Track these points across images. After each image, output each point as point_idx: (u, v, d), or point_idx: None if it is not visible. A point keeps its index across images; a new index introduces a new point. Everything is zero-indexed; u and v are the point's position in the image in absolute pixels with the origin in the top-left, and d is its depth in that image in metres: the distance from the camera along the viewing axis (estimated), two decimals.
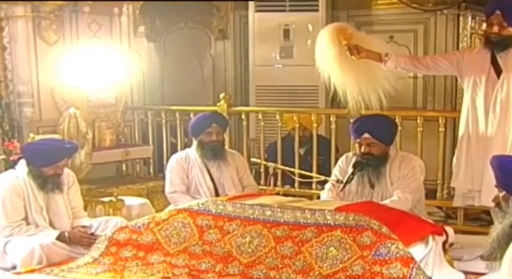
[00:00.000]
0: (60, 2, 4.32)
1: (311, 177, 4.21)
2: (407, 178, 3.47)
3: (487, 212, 4.25)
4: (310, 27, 5.74)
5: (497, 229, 2.38)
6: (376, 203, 3.37)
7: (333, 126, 4.55)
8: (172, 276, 2.95)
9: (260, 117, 4.82)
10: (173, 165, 3.92)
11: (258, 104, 5.81)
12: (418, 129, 4.31)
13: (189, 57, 6.34)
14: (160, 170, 5.22)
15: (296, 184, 4.60)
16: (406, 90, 5.75)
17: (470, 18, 5.37)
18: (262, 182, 4.71)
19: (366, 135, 3.45)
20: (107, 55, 4.60)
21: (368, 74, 3.64)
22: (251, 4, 5.79)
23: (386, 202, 3.37)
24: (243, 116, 4.91)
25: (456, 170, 3.57)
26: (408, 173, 3.48)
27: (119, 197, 3.91)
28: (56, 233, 3.33)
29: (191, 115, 4.71)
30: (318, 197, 3.91)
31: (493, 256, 2.38)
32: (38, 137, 3.97)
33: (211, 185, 3.87)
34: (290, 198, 3.62)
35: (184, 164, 3.89)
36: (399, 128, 4.23)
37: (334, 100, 5.97)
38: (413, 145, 4.25)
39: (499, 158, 2.52)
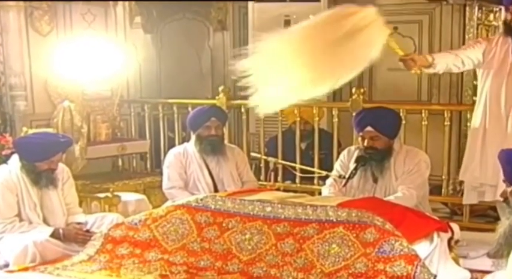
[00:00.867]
0: None
1: (312, 172, 4.21)
2: (412, 173, 3.46)
3: (493, 208, 4.25)
4: (311, 17, 5.71)
5: (504, 225, 2.38)
6: (380, 199, 3.37)
7: (335, 119, 4.54)
8: (170, 274, 2.95)
9: None
10: (171, 160, 3.91)
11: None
12: (423, 123, 4.30)
13: (187, 48, 6.32)
14: (157, 165, 5.21)
15: (297, 180, 4.60)
16: (410, 83, 5.74)
17: (476, 8, 5.35)
18: (262, 177, 4.70)
19: (369, 128, 3.45)
20: (102, 47, 4.58)
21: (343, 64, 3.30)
22: None
23: (391, 198, 3.36)
24: (243, 109, 4.90)
25: (467, 163, 3.55)
26: (413, 168, 3.47)
27: (115, 193, 3.91)
28: (50, 230, 3.32)
29: (189, 109, 4.70)
30: (320, 193, 3.91)
31: (500, 253, 2.38)
32: (31, 131, 3.96)
33: (210, 180, 3.86)
34: (291, 194, 3.61)
35: (183, 159, 3.89)
36: (403, 122, 4.23)
37: (337, 93, 6.01)
38: (418, 139, 4.24)
39: (507, 152, 2.51)
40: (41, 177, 3.38)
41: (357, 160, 3.50)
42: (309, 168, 4.15)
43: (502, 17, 3.51)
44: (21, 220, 3.36)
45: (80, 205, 3.72)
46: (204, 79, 6.35)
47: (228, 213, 3.14)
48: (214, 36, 6.29)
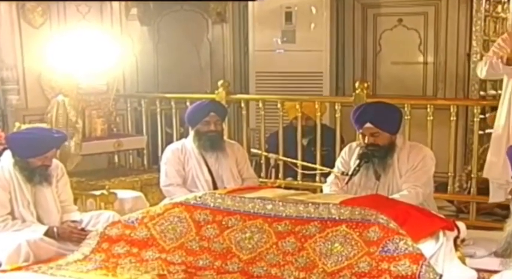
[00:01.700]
0: None
1: (314, 169, 4.21)
2: (417, 170, 3.45)
3: (500, 206, 4.25)
4: (313, 9, 5.72)
5: None
6: (384, 196, 3.36)
7: (338, 114, 4.54)
8: (168, 273, 2.94)
9: (260, 105, 4.80)
10: (168, 156, 3.91)
11: (258, 92, 5.80)
12: (428, 118, 4.30)
13: (185, 41, 6.31)
14: (154, 161, 5.21)
15: (299, 177, 4.60)
16: (415, 76, 5.75)
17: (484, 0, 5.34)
18: (263, 174, 4.71)
19: (368, 125, 3.43)
20: (97, 40, 4.57)
21: None
22: None
23: (396, 196, 3.35)
24: (243, 104, 4.90)
25: (491, 161, 3.54)
26: (418, 165, 3.46)
27: (111, 190, 3.91)
28: (44, 228, 3.32)
29: (187, 104, 4.69)
30: (322, 190, 3.90)
31: (508, 252, 2.38)
32: (24, 126, 3.95)
33: (209, 177, 3.86)
34: (292, 191, 3.61)
35: (181, 155, 3.88)
36: (408, 117, 4.23)
37: (339, 88, 6.02)
38: (423, 135, 4.24)
39: None
40: (34, 174, 3.38)
41: (360, 157, 3.49)
42: (310, 165, 4.15)
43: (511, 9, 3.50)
44: (14, 218, 3.35)
45: (75, 202, 3.71)
46: (203, 73, 6.35)
47: (228, 211, 3.14)
48: (213, 29, 6.29)
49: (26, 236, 3.21)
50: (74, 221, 3.47)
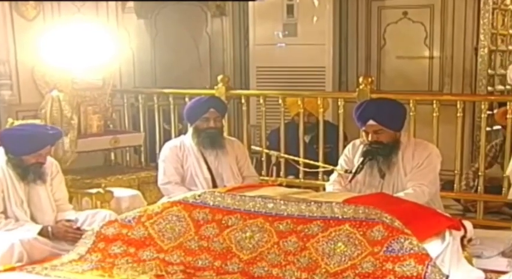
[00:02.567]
0: None
1: (317, 167, 4.21)
2: (423, 167, 3.45)
3: (509, 205, 4.25)
4: (315, 2, 5.71)
5: None
6: (388, 195, 3.37)
7: (341, 110, 4.54)
8: (166, 274, 2.95)
9: (261, 101, 4.80)
10: (167, 154, 3.91)
11: (259, 87, 5.80)
12: (434, 114, 4.29)
13: (184, 35, 6.31)
14: (152, 159, 5.22)
15: (300, 175, 4.60)
16: (420, 71, 5.74)
17: None
18: (263, 172, 4.71)
19: (371, 122, 3.43)
20: (92, 33, 4.56)
21: None
22: None
23: (401, 195, 3.36)
24: (243, 100, 4.89)
25: None
26: (423, 163, 3.47)
27: (107, 188, 3.91)
28: (38, 227, 3.32)
29: (186, 99, 4.70)
30: (325, 189, 3.91)
31: None
32: (17, 122, 3.95)
33: (208, 175, 3.86)
34: (294, 189, 3.62)
35: (179, 152, 3.89)
36: (413, 113, 4.22)
37: (342, 83, 6.01)
38: (429, 131, 4.24)
39: None
40: (28, 172, 3.38)
41: (364, 154, 3.50)
42: (313, 162, 4.15)
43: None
44: (7, 217, 3.36)
45: (70, 201, 3.72)
46: (202, 68, 6.35)
47: (228, 210, 3.14)
48: (212, 22, 6.28)
49: (19, 236, 3.21)
50: (69, 220, 3.47)
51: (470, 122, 5.29)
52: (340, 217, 2.92)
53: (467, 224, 3.10)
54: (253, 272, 2.89)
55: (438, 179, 3.59)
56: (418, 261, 2.66)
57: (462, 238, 3.02)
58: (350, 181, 3.52)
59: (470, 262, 3.01)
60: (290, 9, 5.78)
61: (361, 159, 3.50)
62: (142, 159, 5.33)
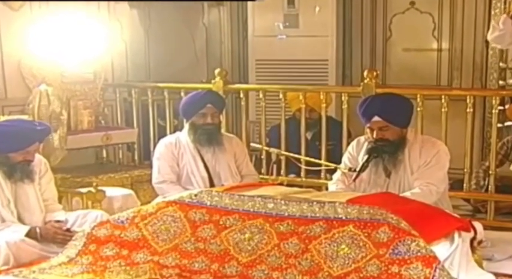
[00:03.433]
0: None
1: (319, 165, 4.21)
2: (431, 166, 3.46)
3: None
4: None
5: None
6: (394, 194, 3.38)
7: (345, 106, 4.54)
8: (161, 277, 2.96)
9: (261, 96, 4.80)
10: (161, 151, 3.92)
11: (258, 81, 5.80)
12: (443, 110, 4.30)
13: (179, 26, 6.30)
14: (146, 157, 5.23)
15: (302, 173, 4.61)
16: (428, 64, 5.75)
17: None
18: (263, 170, 4.72)
19: (376, 118, 3.43)
20: (82, 24, 4.56)
21: None
22: None
23: (407, 194, 3.37)
24: (242, 95, 4.90)
25: None
26: (431, 161, 3.47)
27: (99, 187, 3.91)
28: (25, 229, 3.32)
29: (182, 94, 4.70)
30: (327, 188, 3.91)
31: None
32: (3, 118, 3.96)
33: (205, 174, 3.87)
34: (295, 189, 3.62)
35: (175, 150, 3.89)
36: (420, 109, 4.23)
37: (346, 77, 6.02)
38: (437, 128, 4.24)
39: None
40: (15, 170, 3.38)
41: (369, 152, 3.50)
42: (315, 160, 4.16)
43: None
44: None
45: (60, 201, 3.72)
46: (198, 61, 6.35)
47: (226, 210, 3.15)
48: (209, 13, 6.28)
49: (5, 237, 3.22)
50: (58, 221, 3.47)
51: (480, 118, 5.30)
52: (343, 218, 2.92)
53: (477, 225, 3.11)
54: (253, 276, 2.90)
55: (447, 178, 3.60)
56: (426, 265, 2.66)
57: (472, 240, 3.02)
58: (354, 180, 3.53)
59: (480, 265, 3.02)
60: None
61: (366, 157, 3.50)
62: (136, 157, 5.33)
